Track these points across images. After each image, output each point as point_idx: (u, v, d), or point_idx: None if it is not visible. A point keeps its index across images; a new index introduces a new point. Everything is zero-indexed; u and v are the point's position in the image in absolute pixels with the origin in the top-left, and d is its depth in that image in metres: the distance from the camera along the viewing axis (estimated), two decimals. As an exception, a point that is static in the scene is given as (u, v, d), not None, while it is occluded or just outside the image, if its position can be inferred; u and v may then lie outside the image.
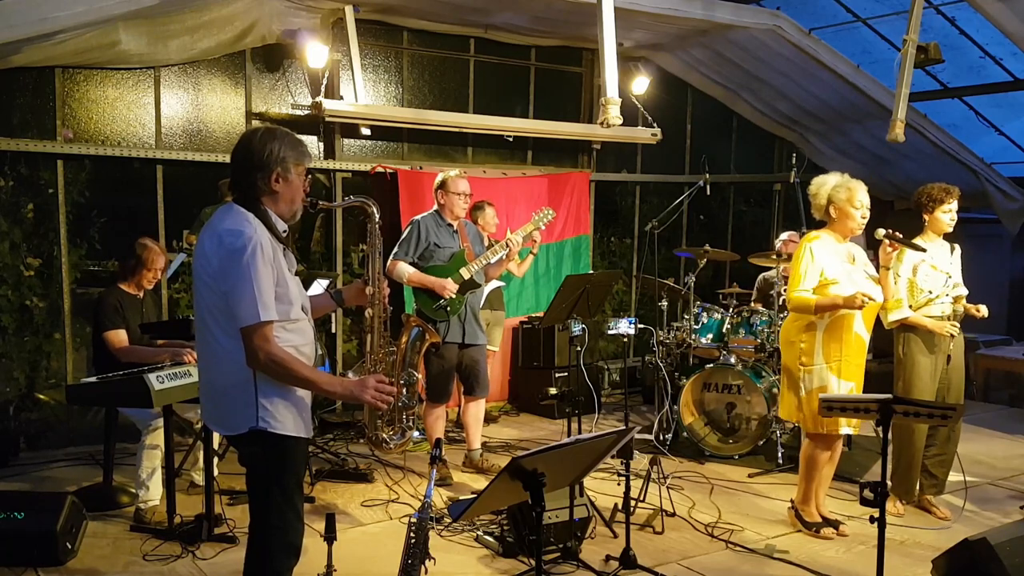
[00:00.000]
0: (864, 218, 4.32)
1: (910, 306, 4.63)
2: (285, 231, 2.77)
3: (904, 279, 4.60)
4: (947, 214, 4.61)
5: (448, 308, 5.06)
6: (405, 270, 5.06)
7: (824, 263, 4.27)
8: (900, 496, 4.80)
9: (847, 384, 4.27)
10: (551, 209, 5.43)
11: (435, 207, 5.25)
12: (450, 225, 5.19)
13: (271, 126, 2.79)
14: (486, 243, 5.61)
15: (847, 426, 4.34)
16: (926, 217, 4.66)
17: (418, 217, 5.22)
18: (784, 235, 6.47)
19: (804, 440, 4.55)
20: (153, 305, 5.10)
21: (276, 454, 2.69)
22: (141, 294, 4.90)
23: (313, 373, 2.68)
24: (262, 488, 2.75)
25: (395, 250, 5.12)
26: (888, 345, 7.47)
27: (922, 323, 4.59)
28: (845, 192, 4.30)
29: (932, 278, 4.59)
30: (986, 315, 4.69)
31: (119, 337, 4.67)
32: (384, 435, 2.82)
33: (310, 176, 2.84)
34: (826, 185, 4.36)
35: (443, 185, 5.17)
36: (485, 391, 5.31)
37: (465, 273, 5.10)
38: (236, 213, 2.67)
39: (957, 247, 4.75)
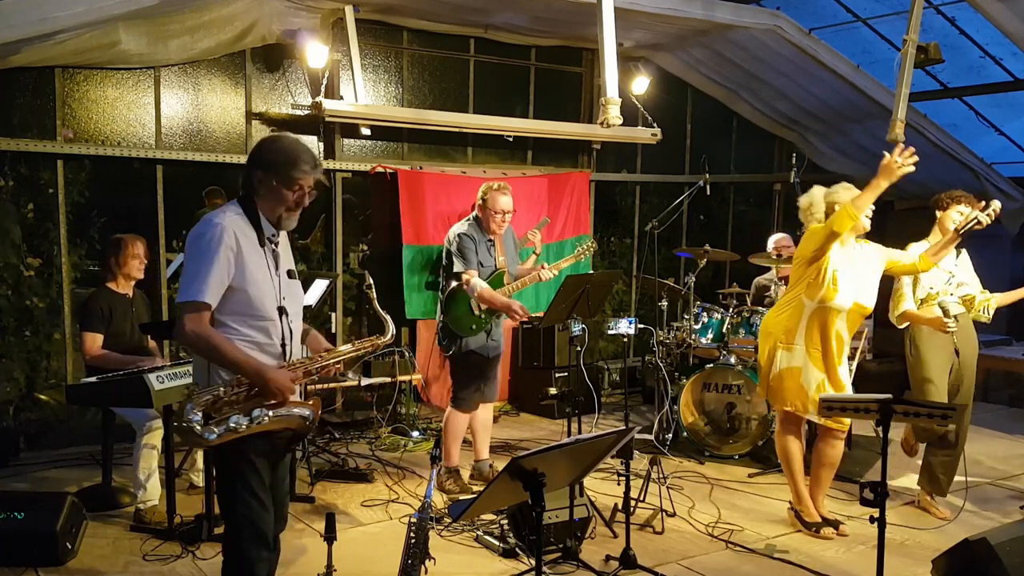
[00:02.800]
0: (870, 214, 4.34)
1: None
2: (273, 235, 2.86)
3: (908, 276, 4.62)
4: (961, 212, 4.61)
5: (474, 327, 4.93)
6: (477, 284, 4.83)
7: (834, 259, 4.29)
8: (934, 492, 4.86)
9: (819, 375, 4.29)
10: (590, 238, 5.36)
11: (474, 214, 5.01)
12: (490, 240, 5.00)
13: (293, 137, 2.93)
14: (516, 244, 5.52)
15: (815, 412, 4.31)
16: (939, 214, 4.70)
17: (464, 231, 4.92)
18: (776, 236, 6.45)
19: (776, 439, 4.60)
20: (144, 306, 5.06)
21: (234, 445, 2.72)
22: (131, 293, 4.89)
23: (242, 356, 2.70)
24: (226, 479, 2.83)
25: (463, 263, 4.85)
26: (888, 345, 7.49)
27: (922, 319, 4.60)
28: (847, 193, 4.31)
29: (934, 275, 4.62)
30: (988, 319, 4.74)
31: (94, 342, 4.65)
32: (195, 416, 2.56)
33: (303, 190, 2.83)
34: (818, 197, 4.40)
35: (483, 201, 4.94)
36: (495, 396, 5.27)
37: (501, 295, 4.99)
38: (223, 208, 2.81)
39: (964, 251, 4.79)
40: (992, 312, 4.78)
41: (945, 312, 4.53)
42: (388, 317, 3.25)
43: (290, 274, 2.94)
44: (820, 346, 4.30)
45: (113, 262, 4.82)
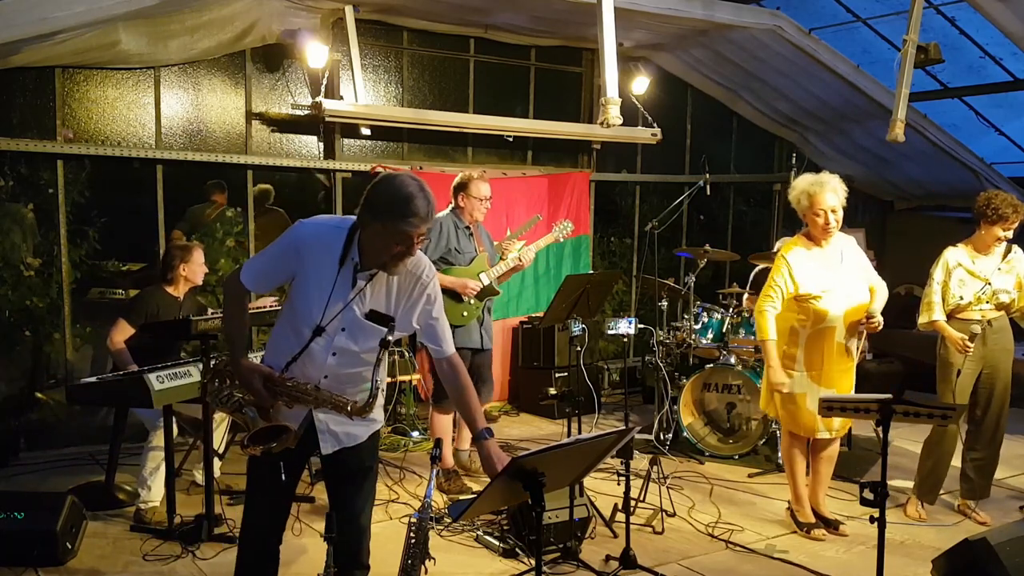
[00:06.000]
0: (830, 224, 4.24)
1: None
2: (355, 259, 2.66)
3: (937, 283, 4.53)
4: (1007, 231, 4.45)
5: (465, 314, 4.96)
6: None
7: (801, 279, 4.25)
8: (924, 499, 4.76)
9: (827, 392, 4.26)
10: (570, 222, 5.42)
11: (451, 206, 5.05)
12: (467, 228, 5.05)
13: (410, 180, 2.60)
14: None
15: (824, 430, 4.35)
16: (983, 228, 4.48)
17: (440, 215, 4.94)
18: (781, 241, 6.43)
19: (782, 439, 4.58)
20: (193, 307, 4.98)
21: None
22: (182, 296, 4.87)
23: (235, 332, 2.81)
24: None
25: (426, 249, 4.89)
26: (888, 345, 7.49)
27: (946, 333, 4.51)
28: (807, 199, 4.27)
29: (967, 285, 4.50)
30: None
31: (123, 333, 4.61)
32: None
33: (411, 241, 2.60)
34: (795, 191, 4.34)
35: (464, 188, 4.97)
36: (491, 394, 5.27)
37: (485, 279, 5.02)
38: (330, 220, 2.78)
39: (1016, 248, 4.55)
40: None
41: (971, 336, 4.44)
42: (381, 383, 2.82)
43: (370, 315, 2.66)
44: (820, 367, 4.29)
45: (179, 267, 4.80)
